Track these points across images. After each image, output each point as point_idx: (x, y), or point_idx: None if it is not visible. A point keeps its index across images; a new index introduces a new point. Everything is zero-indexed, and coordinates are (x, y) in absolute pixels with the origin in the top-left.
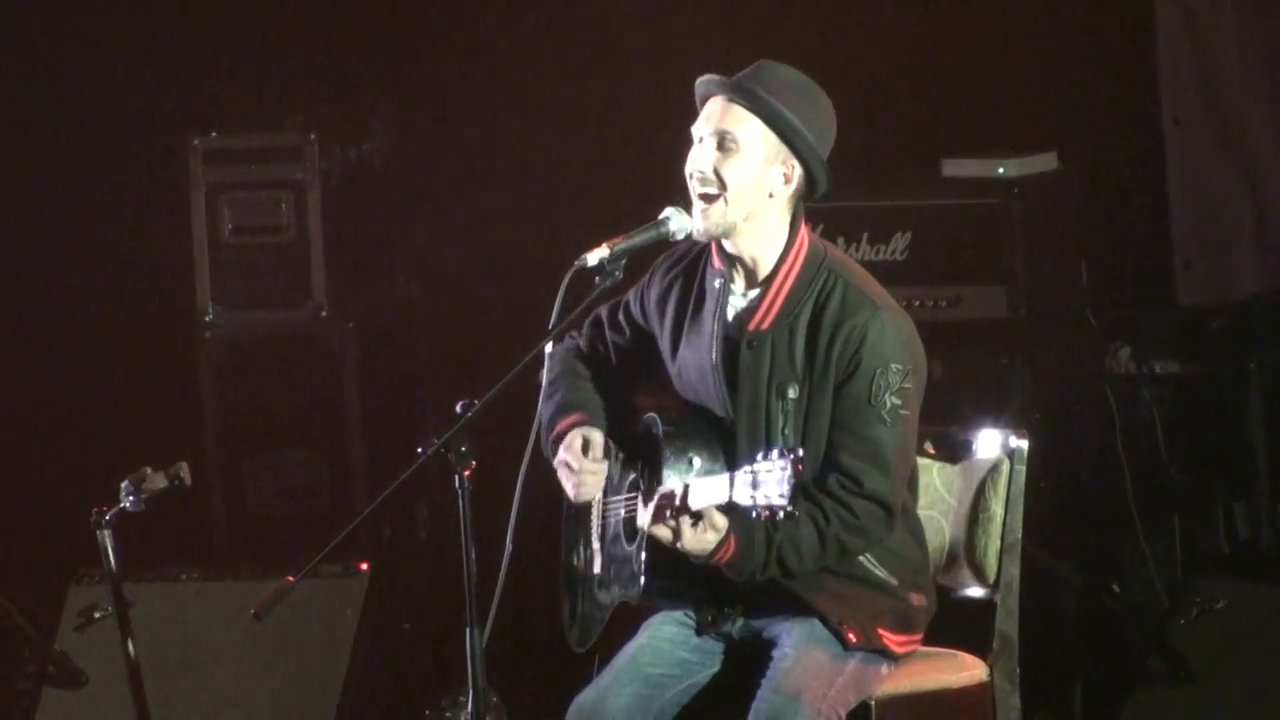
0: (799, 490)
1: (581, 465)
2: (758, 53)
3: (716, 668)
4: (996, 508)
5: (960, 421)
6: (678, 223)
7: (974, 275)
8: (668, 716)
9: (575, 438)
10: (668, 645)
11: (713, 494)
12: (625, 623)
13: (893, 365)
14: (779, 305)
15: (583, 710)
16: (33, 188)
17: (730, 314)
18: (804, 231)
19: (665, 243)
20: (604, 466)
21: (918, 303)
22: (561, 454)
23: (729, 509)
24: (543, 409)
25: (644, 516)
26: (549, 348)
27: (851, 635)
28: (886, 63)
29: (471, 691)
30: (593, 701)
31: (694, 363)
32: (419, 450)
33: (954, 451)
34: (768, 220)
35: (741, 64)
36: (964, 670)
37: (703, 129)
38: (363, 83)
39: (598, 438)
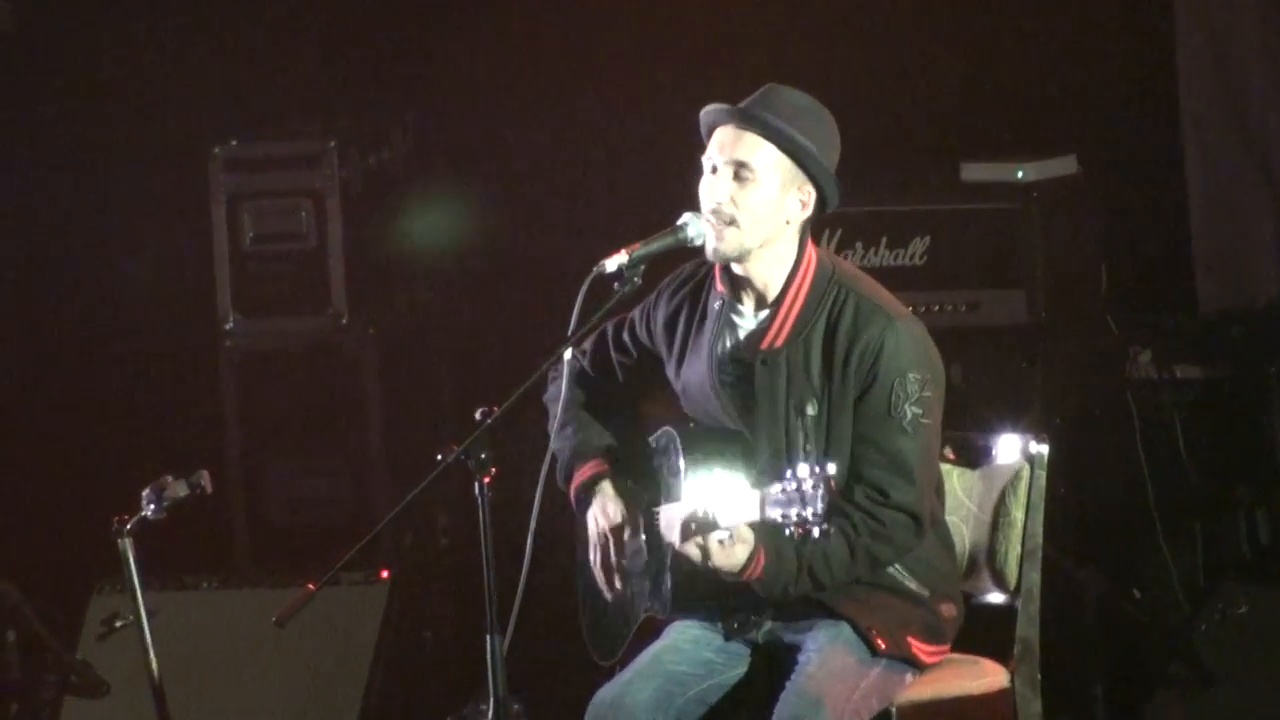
0: (833, 508)
1: (608, 536)
2: (775, 58)
3: (742, 670)
4: (1017, 513)
5: (980, 427)
6: (696, 228)
7: (993, 280)
8: (690, 715)
9: (609, 503)
10: (692, 646)
11: (742, 513)
12: (650, 633)
13: (910, 375)
14: (791, 323)
15: (603, 704)
16: (53, 199)
17: (741, 335)
18: (810, 248)
19: (684, 248)
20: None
21: (936, 307)
22: (594, 511)
23: (758, 525)
24: (555, 441)
25: (668, 529)
26: (568, 354)
27: (880, 641)
28: (905, 67)
29: (492, 699)
30: (613, 696)
31: (696, 384)
32: (439, 457)
33: (974, 457)
34: (780, 245)
35: (758, 72)
36: (985, 676)
37: (716, 158)
38: (381, 90)
39: (620, 507)
